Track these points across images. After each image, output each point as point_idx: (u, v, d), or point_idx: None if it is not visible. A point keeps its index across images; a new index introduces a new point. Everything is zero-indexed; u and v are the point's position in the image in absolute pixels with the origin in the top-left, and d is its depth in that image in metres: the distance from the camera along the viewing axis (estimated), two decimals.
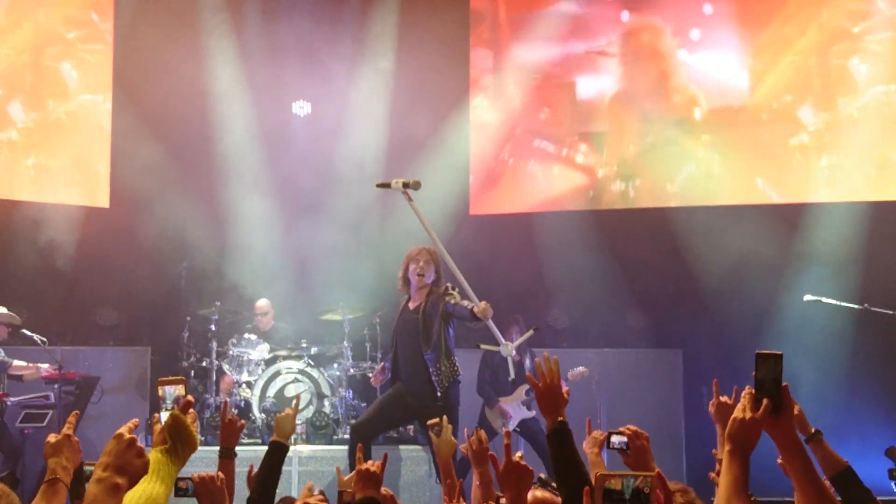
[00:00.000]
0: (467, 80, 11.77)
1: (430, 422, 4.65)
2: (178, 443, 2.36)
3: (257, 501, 4.32)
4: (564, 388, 3.63)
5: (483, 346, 8.14)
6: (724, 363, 10.53)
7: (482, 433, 4.44)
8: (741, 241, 10.45)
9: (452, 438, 4.57)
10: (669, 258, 10.85)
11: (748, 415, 2.52)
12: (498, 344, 7.51)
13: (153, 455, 2.34)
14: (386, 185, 6.92)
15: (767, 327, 10.25)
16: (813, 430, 3.67)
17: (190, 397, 2.51)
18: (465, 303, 7.30)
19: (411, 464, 8.68)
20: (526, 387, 9.46)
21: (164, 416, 2.44)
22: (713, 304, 10.74)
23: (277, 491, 4.62)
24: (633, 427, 4.26)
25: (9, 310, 9.24)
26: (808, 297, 9.21)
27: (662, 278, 10.89)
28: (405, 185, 6.87)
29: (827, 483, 2.83)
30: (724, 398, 3.94)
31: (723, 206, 10.92)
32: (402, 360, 7.57)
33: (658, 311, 10.90)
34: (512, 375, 7.76)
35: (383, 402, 7.63)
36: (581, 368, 9.49)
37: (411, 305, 7.59)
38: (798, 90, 10.83)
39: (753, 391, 2.53)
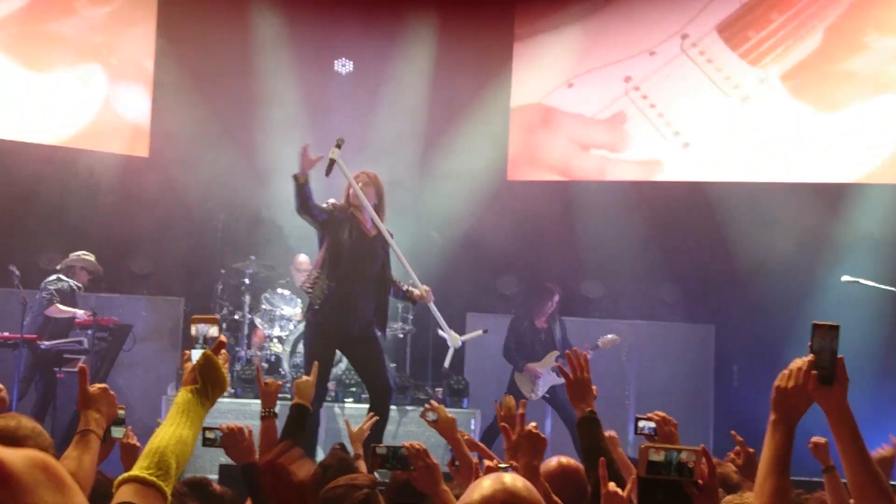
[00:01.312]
0: (511, 43, 11.67)
1: (423, 411, 4.60)
2: (209, 383, 2.33)
3: None
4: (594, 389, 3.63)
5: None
6: (756, 341, 10.50)
7: (510, 399, 4.44)
8: (781, 218, 10.35)
9: (450, 416, 4.51)
10: (707, 233, 10.78)
11: (791, 383, 2.49)
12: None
13: (182, 394, 2.31)
14: (331, 165, 6.90)
15: (802, 307, 10.15)
16: (829, 465, 3.75)
17: (223, 337, 2.47)
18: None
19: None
20: (555, 353, 9.46)
21: (196, 354, 2.40)
22: (748, 281, 10.66)
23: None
24: (661, 413, 4.27)
25: (45, 255, 9.31)
26: (845, 278, 9.11)
27: (698, 253, 10.82)
28: (337, 146, 6.97)
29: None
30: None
31: (764, 183, 10.80)
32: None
33: (692, 285, 10.83)
34: (446, 365, 7.82)
35: None
36: (612, 336, 9.46)
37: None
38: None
39: (808, 360, 2.49)
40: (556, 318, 9.65)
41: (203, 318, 2.54)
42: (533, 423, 3.50)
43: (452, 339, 7.77)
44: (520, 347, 9.52)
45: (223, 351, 2.41)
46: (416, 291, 7.34)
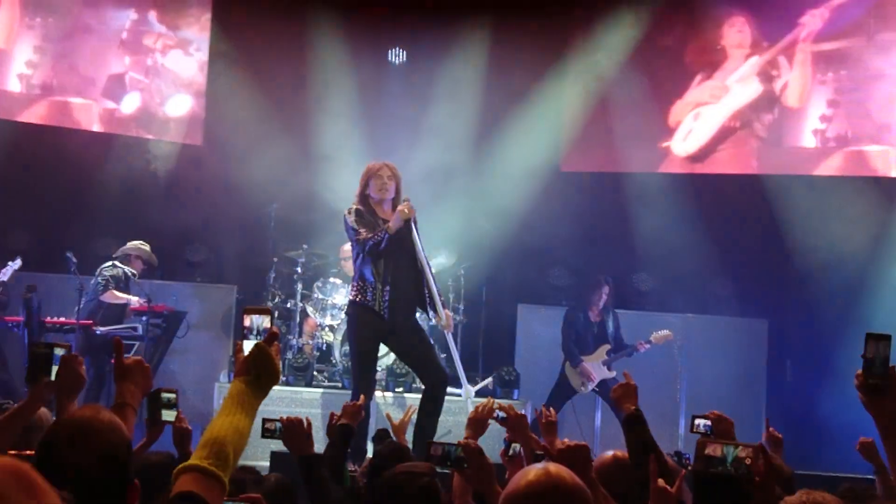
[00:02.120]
0: (566, 36, 11.61)
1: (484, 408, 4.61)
2: (262, 374, 2.35)
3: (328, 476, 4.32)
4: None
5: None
6: (810, 336, 10.37)
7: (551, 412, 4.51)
8: (838, 212, 10.21)
9: (520, 413, 4.52)
10: (762, 226, 10.66)
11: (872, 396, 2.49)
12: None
13: (235, 385, 2.33)
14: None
15: (859, 305, 10.01)
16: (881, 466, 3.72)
17: (275, 329, 2.48)
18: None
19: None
20: (607, 346, 9.43)
21: (248, 345, 2.42)
22: (803, 275, 10.52)
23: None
24: (717, 412, 4.27)
25: (101, 241, 9.42)
26: None
27: (753, 246, 10.70)
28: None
29: None
30: None
31: (822, 177, 10.67)
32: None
33: (746, 279, 10.71)
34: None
35: None
36: (665, 332, 9.40)
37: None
38: None
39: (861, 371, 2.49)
40: (610, 311, 9.60)
41: (256, 309, 2.56)
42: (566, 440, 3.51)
43: (465, 391, 7.81)
44: (575, 341, 9.49)
45: (275, 342, 2.42)
46: (439, 315, 7.32)
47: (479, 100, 11.36)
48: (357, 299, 7.25)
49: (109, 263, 9.31)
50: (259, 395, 2.32)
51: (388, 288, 7.16)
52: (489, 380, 8.83)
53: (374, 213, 7.25)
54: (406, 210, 7.07)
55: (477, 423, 4.41)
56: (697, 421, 4.19)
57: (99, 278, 9.19)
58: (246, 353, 2.36)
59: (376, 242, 7.09)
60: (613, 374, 9.33)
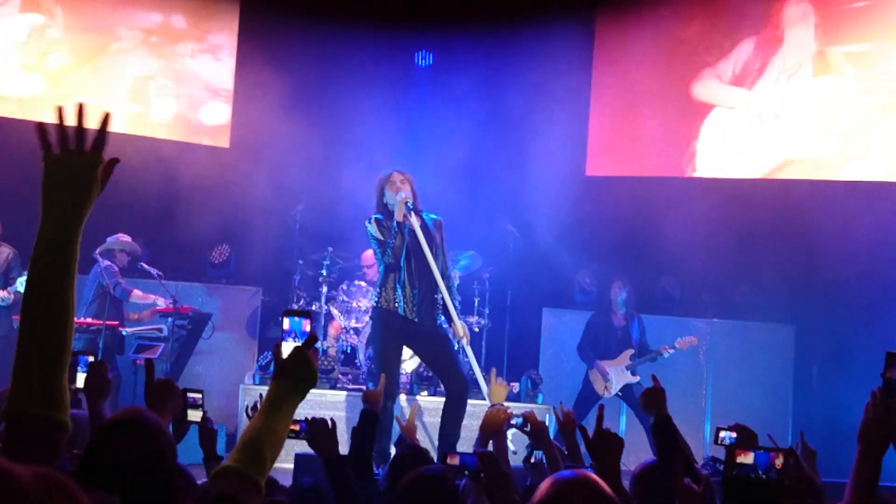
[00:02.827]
0: (592, 38, 11.59)
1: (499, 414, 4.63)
2: (299, 377, 2.35)
3: (354, 459, 4.34)
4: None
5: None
6: (838, 344, 10.29)
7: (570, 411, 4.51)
8: (867, 219, 10.13)
9: (540, 422, 4.53)
10: (789, 232, 10.58)
11: (872, 416, 2.46)
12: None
13: (272, 387, 2.33)
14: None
15: (886, 310, 9.94)
16: None
17: (314, 334, 2.48)
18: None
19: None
20: (631, 351, 9.40)
21: (287, 347, 2.42)
22: (831, 281, 10.45)
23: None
24: (741, 424, 4.27)
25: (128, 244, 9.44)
26: None
27: (780, 252, 10.62)
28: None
29: None
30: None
31: (850, 182, 10.60)
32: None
33: (772, 285, 10.64)
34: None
35: None
36: (690, 337, 9.36)
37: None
38: None
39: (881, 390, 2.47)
40: (634, 316, 9.58)
41: (296, 312, 2.56)
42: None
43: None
44: (595, 344, 9.48)
45: (314, 345, 2.42)
46: (454, 325, 7.32)
47: (504, 103, 11.35)
48: (382, 305, 7.27)
49: (107, 264, 9.22)
50: (297, 398, 2.33)
51: (415, 291, 7.19)
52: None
53: (393, 218, 7.25)
54: (401, 198, 7.08)
55: (489, 432, 4.44)
56: (722, 434, 4.18)
57: (112, 280, 9.11)
58: (285, 355, 2.36)
59: (393, 244, 7.12)
60: (637, 378, 9.31)
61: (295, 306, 9.98)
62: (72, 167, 2.18)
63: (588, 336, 9.56)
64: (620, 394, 9.39)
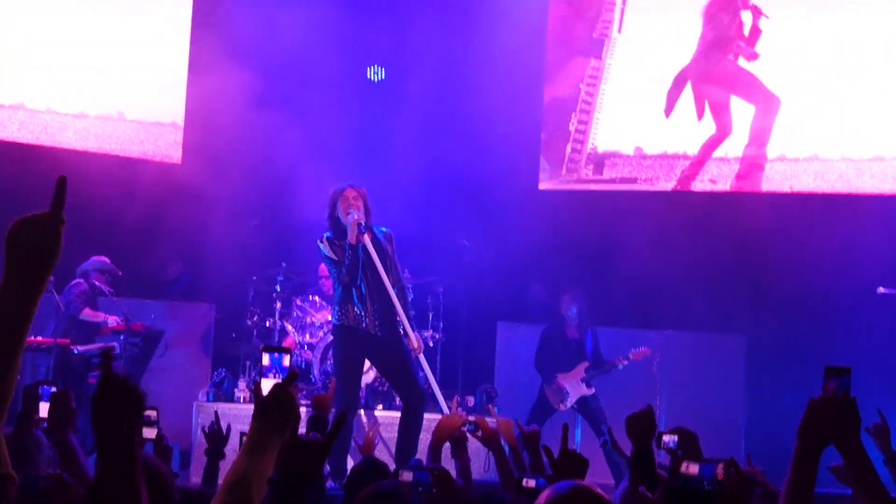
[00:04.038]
0: (545, 47, 11.65)
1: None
2: (281, 414, 2.32)
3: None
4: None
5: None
6: (788, 353, 10.41)
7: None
8: (813, 229, 10.26)
9: (491, 428, 4.56)
10: (740, 244, 10.69)
11: (812, 420, 2.53)
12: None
13: (254, 426, 2.30)
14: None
15: (836, 319, 10.08)
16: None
17: (294, 370, 2.46)
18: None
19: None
20: (586, 364, 9.43)
21: (267, 384, 2.40)
22: (781, 292, 10.59)
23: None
24: (681, 426, 4.27)
25: (78, 260, 9.36)
26: (881, 290, 9.04)
27: (730, 263, 10.73)
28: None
29: None
30: None
31: (793, 192, 10.74)
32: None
33: (723, 296, 10.74)
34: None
35: None
36: (644, 349, 9.42)
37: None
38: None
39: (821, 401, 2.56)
40: (588, 328, 9.62)
41: (275, 348, 2.55)
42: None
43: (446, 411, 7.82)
44: (551, 358, 9.50)
45: (294, 381, 2.40)
46: (409, 338, 7.35)
47: (454, 116, 11.37)
48: (344, 322, 7.28)
49: (74, 282, 9.26)
50: (279, 435, 2.30)
51: (375, 306, 7.22)
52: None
53: (345, 236, 7.25)
54: (353, 219, 7.08)
55: (441, 437, 4.48)
56: (665, 438, 4.18)
57: (69, 297, 9.13)
58: (265, 392, 2.33)
59: (347, 263, 7.11)
60: (593, 390, 9.35)
61: (249, 322, 9.94)
62: (35, 226, 2.13)
63: (544, 350, 9.57)
64: (576, 406, 9.42)
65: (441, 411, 7.81)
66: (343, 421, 2.40)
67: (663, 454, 3.99)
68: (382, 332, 7.26)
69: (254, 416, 2.30)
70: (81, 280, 9.26)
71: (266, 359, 2.48)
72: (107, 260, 9.44)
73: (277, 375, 2.44)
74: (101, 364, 2.15)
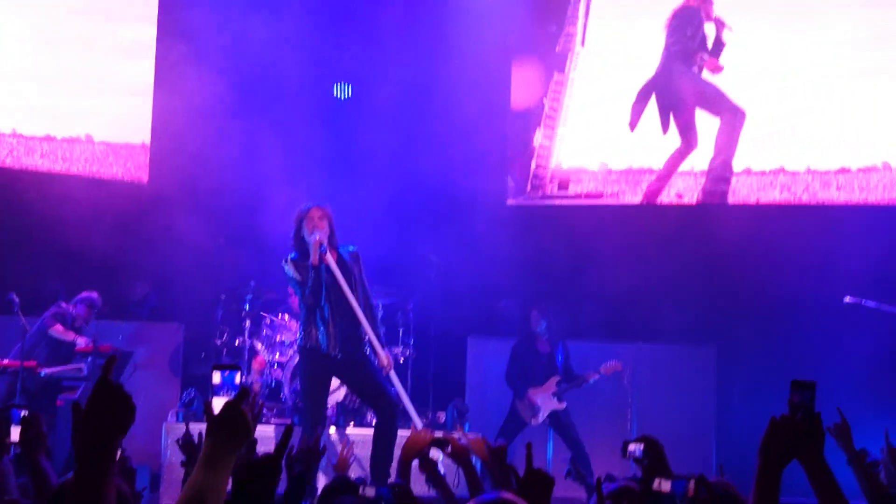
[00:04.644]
0: (510, 62, 11.68)
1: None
2: (233, 432, 2.32)
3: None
4: None
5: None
6: (758, 363, 10.46)
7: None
8: (779, 239, 10.34)
9: (461, 445, 4.54)
10: (705, 254, 10.75)
11: (774, 437, 2.58)
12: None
13: (207, 444, 2.30)
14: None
15: (804, 329, 10.15)
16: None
17: (245, 387, 2.46)
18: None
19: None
20: (557, 378, 9.44)
21: (219, 402, 2.39)
22: (749, 302, 10.66)
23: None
24: (647, 435, 4.27)
25: (45, 281, 9.30)
26: (848, 299, 9.11)
27: (698, 275, 10.78)
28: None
29: None
30: None
31: (760, 204, 10.82)
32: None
33: (692, 307, 10.79)
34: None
35: None
36: (614, 362, 9.45)
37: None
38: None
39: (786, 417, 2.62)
40: (559, 342, 9.63)
41: (225, 366, 2.54)
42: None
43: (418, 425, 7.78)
44: (522, 372, 9.51)
45: (248, 397, 2.40)
46: (378, 356, 7.35)
47: (424, 130, 11.38)
48: (306, 343, 7.29)
49: (55, 305, 9.22)
50: (232, 453, 2.29)
51: (337, 328, 7.22)
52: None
53: (309, 256, 7.25)
54: (315, 240, 7.07)
55: (409, 454, 4.47)
56: (631, 447, 4.15)
57: (45, 317, 9.09)
58: (216, 410, 2.33)
59: (311, 285, 7.12)
60: (564, 405, 9.36)
61: (218, 341, 9.89)
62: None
63: (515, 364, 9.58)
64: (548, 420, 9.43)
65: (414, 427, 7.79)
66: (290, 434, 2.40)
67: (631, 464, 3.97)
68: (347, 353, 7.24)
69: (206, 433, 2.30)
70: (63, 303, 9.19)
71: (217, 377, 2.47)
72: (97, 297, 9.36)
73: (229, 393, 2.43)
74: (103, 368, 2.17)
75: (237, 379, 2.50)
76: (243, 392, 2.37)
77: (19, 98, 10.80)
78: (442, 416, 9.39)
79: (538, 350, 9.56)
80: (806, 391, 2.62)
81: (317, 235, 7.11)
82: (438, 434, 4.76)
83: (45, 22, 10.90)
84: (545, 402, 9.36)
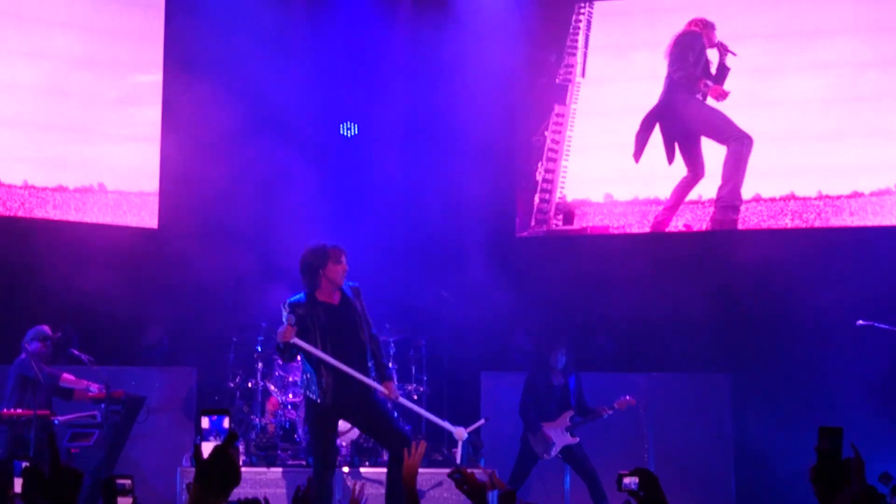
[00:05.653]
0: (512, 96, 11.70)
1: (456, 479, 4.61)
2: (220, 477, 2.31)
3: None
4: None
5: None
6: (772, 388, 10.42)
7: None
8: (791, 264, 10.30)
9: (479, 483, 4.52)
10: (716, 281, 10.73)
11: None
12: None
13: (195, 489, 2.30)
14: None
15: (817, 353, 10.10)
16: None
17: (234, 432, 2.45)
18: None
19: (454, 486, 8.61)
20: (570, 413, 9.39)
21: (207, 447, 2.39)
22: (762, 328, 10.63)
23: None
24: (641, 467, 4.23)
25: (55, 329, 9.26)
26: (861, 322, 9.08)
27: (710, 302, 10.73)
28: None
29: None
30: None
31: (771, 230, 10.79)
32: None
33: (705, 334, 10.75)
34: (458, 461, 7.83)
35: None
36: (629, 398, 9.41)
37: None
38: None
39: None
40: (573, 375, 9.59)
41: (213, 410, 2.54)
42: None
43: (457, 433, 7.74)
44: (536, 405, 9.45)
45: (234, 443, 2.39)
46: (385, 388, 7.33)
47: (429, 165, 11.41)
48: (307, 393, 7.33)
49: (24, 356, 9.04)
50: (221, 498, 2.29)
51: (329, 379, 7.17)
52: (481, 421, 8.79)
53: (313, 299, 7.26)
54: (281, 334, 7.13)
55: (410, 479, 4.48)
56: (626, 480, 4.08)
57: (30, 371, 8.92)
58: (205, 455, 2.32)
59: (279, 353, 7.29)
60: (577, 440, 9.31)
61: (231, 384, 9.89)
62: None
63: (529, 398, 9.51)
64: (560, 455, 9.38)
65: (454, 431, 7.71)
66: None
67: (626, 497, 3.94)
68: (351, 394, 7.21)
69: (195, 478, 2.30)
70: (27, 355, 9.04)
71: (205, 422, 2.47)
72: (44, 328, 9.23)
73: (217, 438, 2.42)
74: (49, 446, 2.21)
75: (225, 423, 2.50)
76: (231, 437, 2.36)
77: (29, 149, 10.84)
78: (457, 453, 9.34)
79: (553, 383, 9.50)
80: (834, 437, 2.59)
81: (284, 324, 7.14)
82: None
83: (53, 73, 10.95)
84: (558, 437, 9.30)
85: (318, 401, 7.20)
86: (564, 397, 9.46)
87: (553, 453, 9.31)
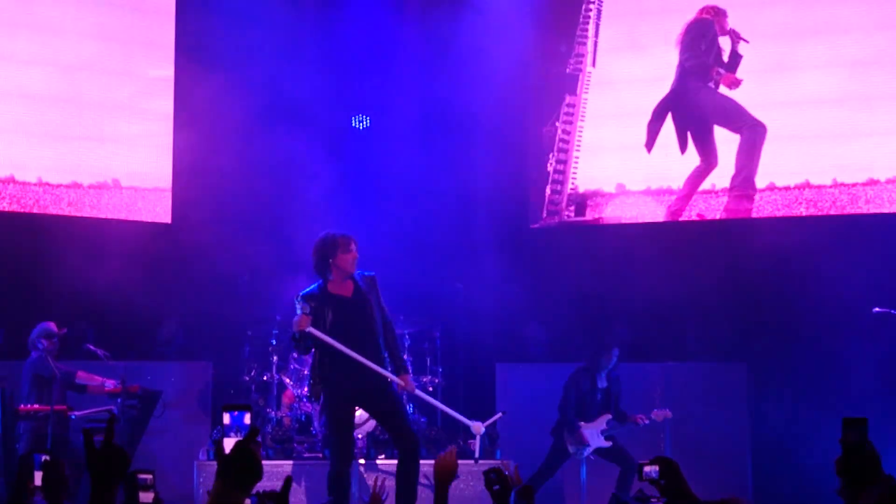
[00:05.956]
0: (525, 85, 11.67)
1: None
2: (242, 472, 2.31)
3: None
4: None
5: None
6: (788, 376, 10.40)
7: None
8: (806, 251, 10.26)
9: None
10: (732, 270, 10.69)
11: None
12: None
13: (217, 485, 2.30)
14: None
15: (833, 341, 10.06)
16: None
17: (255, 427, 2.45)
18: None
19: (471, 479, 8.64)
20: (608, 416, 9.35)
21: (229, 442, 2.38)
22: (778, 316, 10.59)
23: None
24: (661, 456, 4.22)
25: (72, 325, 9.28)
26: (877, 310, 9.04)
27: (725, 291, 10.70)
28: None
29: None
30: None
31: (785, 218, 10.74)
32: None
33: (721, 323, 10.72)
34: (477, 454, 7.79)
35: None
36: (665, 411, 9.40)
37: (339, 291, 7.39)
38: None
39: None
40: (618, 379, 9.55)
41: (235, 406, 2.54)
42: None
43: (475, 428, 7.73)
44: (577, 403, 9.38)
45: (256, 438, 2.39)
46: (399, 379, 7.31)
47: (441, 158, 11.39)
48: (323, 382, 7.30)
49: (35, 356, 9.06)
50: (243, 494, 2.29)
51: (354, 362, 7.14)
52: (499, 415, 8.79)
53: (325, 291, 7.25)
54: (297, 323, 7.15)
55: (444, 480, 4.44)
56: (647, 469, 4.10)
57: (45, 370, 8.93)
58: (227, 450, 2.32)
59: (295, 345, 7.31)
60: (610, 444, 9.30)
61: (246, 378, 9.90)
62: None
63: (571, 396, 9.41)
64: (593, 457, 9.38)
65: (471, 426, 7.71)
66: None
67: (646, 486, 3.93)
68: (366, 383, 7.19)
69: (217, 474, 2.30)
70: (39, 352, 9.04)
71: (227, 418, 2.47)
72: (49, 325, 9.23)
73: (239, 433, 2.43)
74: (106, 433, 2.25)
75: (247, 419, 2.50)
76: (253, 432, 2.36)
77: (44, 148, 10.86)
78: (473, 444, 9.33)
79: (598, 385, 9.43)
80: (860, 428, 2.56)
81: (295, 322, 7.14)
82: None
83: (66, 71, 10.94)
84: (593, 438, 9.26)
85: (334, 390, 7.19)
86: (606, 400, 9.42)
87: (585, 454, 9.31)
